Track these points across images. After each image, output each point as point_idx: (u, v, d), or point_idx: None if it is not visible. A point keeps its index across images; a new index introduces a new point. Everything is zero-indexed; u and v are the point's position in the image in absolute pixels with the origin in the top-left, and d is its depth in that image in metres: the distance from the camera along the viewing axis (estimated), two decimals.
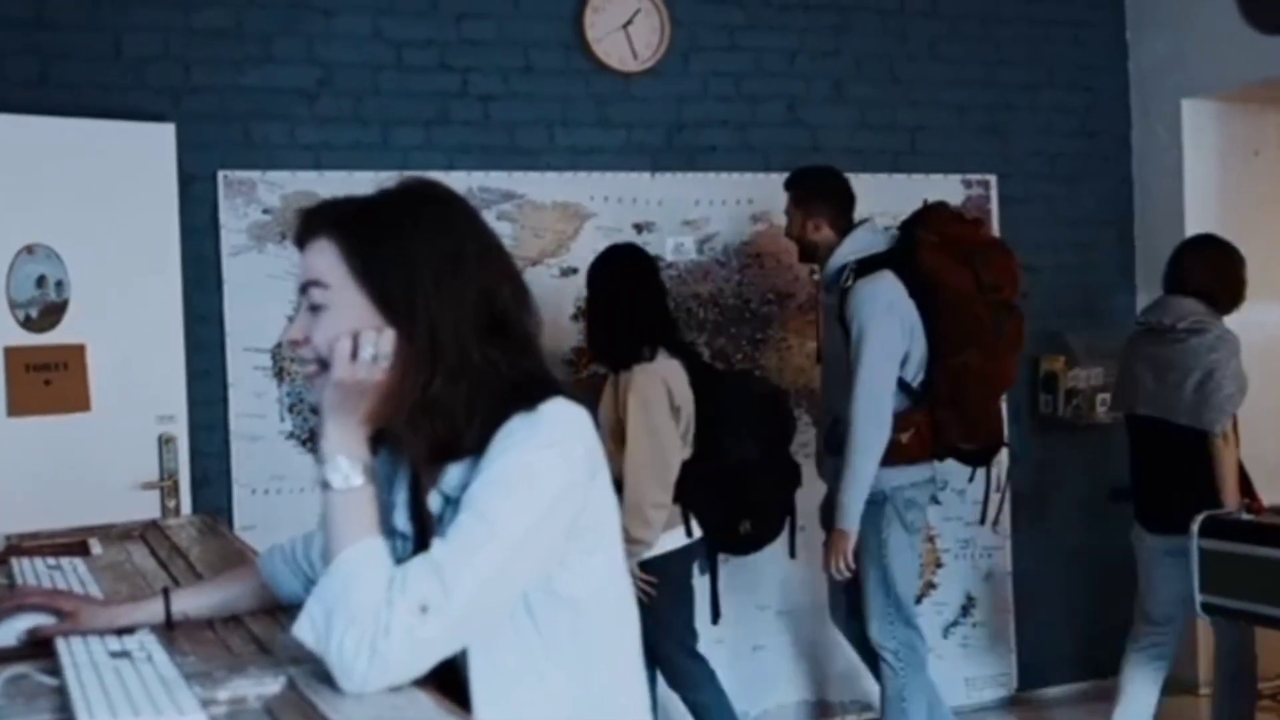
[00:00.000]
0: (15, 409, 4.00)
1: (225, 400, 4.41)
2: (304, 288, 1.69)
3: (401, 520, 1.75)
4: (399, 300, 1.64)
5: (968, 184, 5.38)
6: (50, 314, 4.07)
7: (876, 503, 4.14)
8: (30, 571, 2.31)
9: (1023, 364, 5.40)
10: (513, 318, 1.70)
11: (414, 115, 4.64)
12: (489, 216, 4.65)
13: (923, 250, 4.13)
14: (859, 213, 4.32)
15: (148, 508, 4.08)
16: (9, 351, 4.01)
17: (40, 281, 4.05)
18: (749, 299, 5.01)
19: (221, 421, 4.40)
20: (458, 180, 4.61)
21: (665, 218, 4.94)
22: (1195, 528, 4.01)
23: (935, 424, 4.14)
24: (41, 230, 4.05)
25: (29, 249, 4.03)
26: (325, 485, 1.63)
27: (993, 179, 5.42)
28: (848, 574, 4.13)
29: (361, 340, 1.63)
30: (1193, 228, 5.42)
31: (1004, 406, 4.53)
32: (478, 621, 1.59)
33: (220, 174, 4.40)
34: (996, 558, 5.44)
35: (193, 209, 4.33)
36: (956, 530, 5.28)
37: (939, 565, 5.32)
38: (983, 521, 4.65)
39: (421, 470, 1.73)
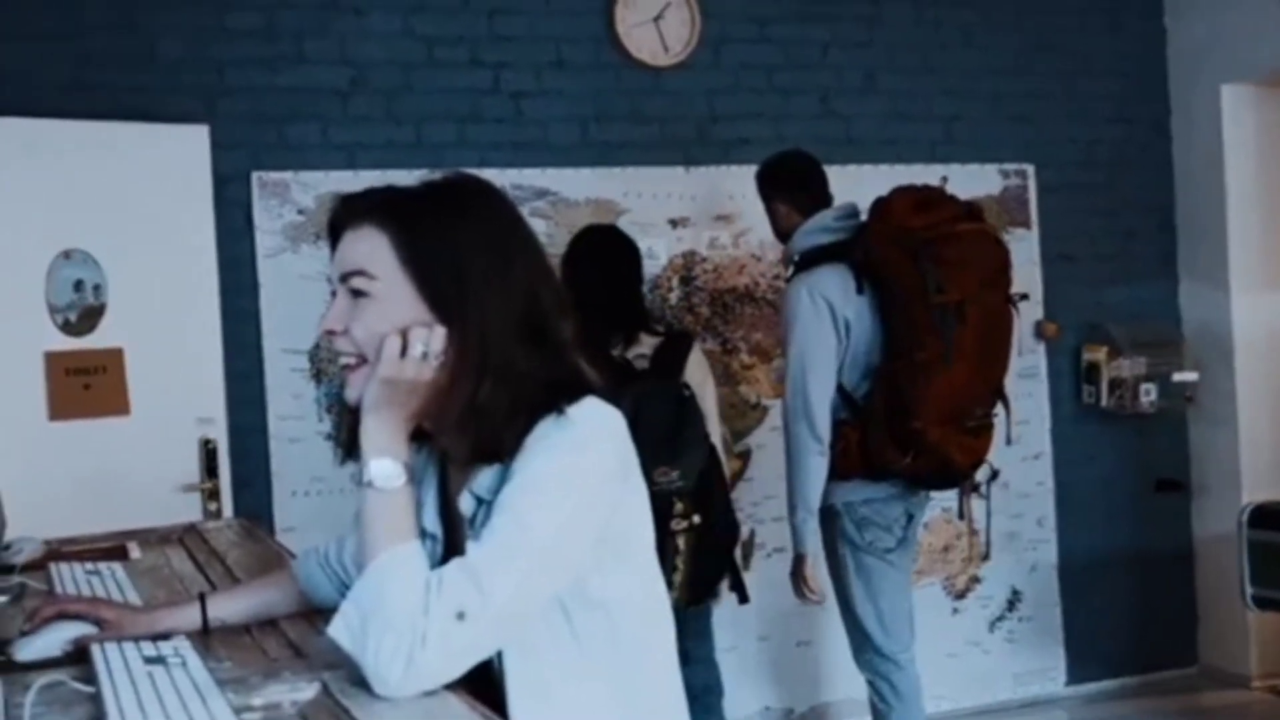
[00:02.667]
0: (56, 413, 4.01)
1: (264, 402, 4.41)
2: (345, 276, 1.65)
3: (430, 520, 1.72)
4: (451, 298, 1.61)
5: (1004, 174, 5.33)
6: (88, 318, 4.07)
7: (828, 518, 3.90)
8: (69, 576, 2.31)
9: (1065, 355, 5.39)
10: (552, 322, 1.67)
11: (446, 113, 4.62)
12: (522, 213, 4.68)
13: (871, 241, 3.77)
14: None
15: (189, 510, 4.08)
16: (49, 356, 4.01)
17: (78, 285, 4.06)
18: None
19: (260, 423, 4.40)
20: (490, 177, 4.54)
21: (699, 212, 4.91)
22: (1244, 518, 3.95)
23: (864, 438, 3.76)
24: (78, 234, 4.05)
25: (66, 253, 4.04)
26: (367, 485, 1.60)
27: (1030, 168, 5.37)
28: (815, 599, 3.93)
29: (411, 337, 1.60)
30: (1234, 214, 5.37)
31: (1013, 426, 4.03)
32: (513, 626, 1.57)
33: (254, 175, 4.40)
34: (1042, 550, 5.38)
35: (227, 211, 4.33)
36: (1001, 523, 5.19)
37: (984, 559, 5.25)
38: (986, 557, 4.57)
39: (452, 470, 1.71)
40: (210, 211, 4.27)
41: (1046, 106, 5.40)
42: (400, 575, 1.53)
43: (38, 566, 2.44)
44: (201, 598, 1.91)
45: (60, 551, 2.61)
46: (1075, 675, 5.40)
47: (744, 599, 3.96)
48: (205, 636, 1.86)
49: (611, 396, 1.69)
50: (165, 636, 1.83)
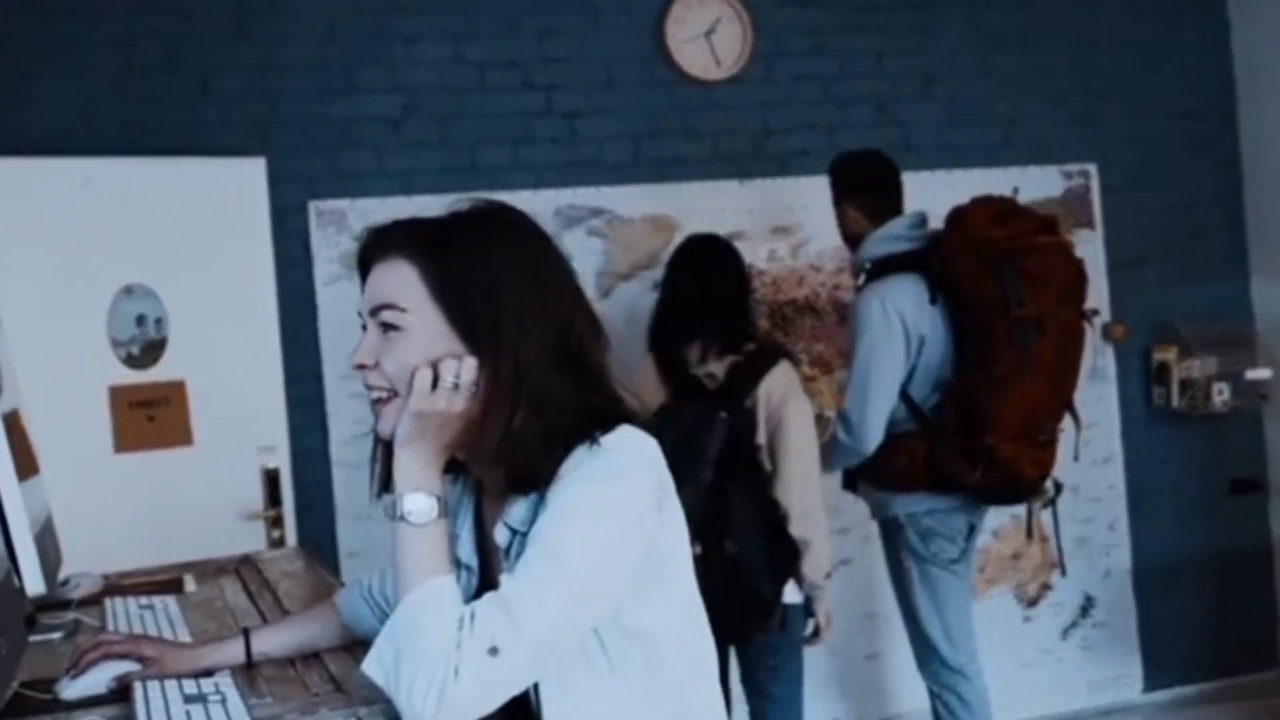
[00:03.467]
0: (121, 446, 4.07)
1: (325, 428, 4.44)
2: (375, 310, 1.64)
3: (466, 552, 1.72)
4: (482, 327, 1.60)
5: (1067, 175, 5.26)
6: (151, 351, 4.13)
7: (891, 530, 3.90)
8: (122, 612, 2.33)
9: (1134, 356, 5.30)
10: (587, 348, 1.66)
11: (500, 136, 4.64)
12: (578, 233, 4.71)
13: (949, 252, 3.70)
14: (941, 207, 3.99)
15: (253, 538, 4.13)
16: (113, 390, 4.07)
17: (140, 320, 4.12)
18: (845, 303, 4.93)
19: (322, 450, 4.44)
20: (546, 199, 4.62)
21: (756, 225, 4.88)
22: None
23: (931, 451, 3.72)
24: (139, 270, 4.11)
25: (128, 289, 4.10)
26: (401, 519, 1.59)
27: (1092, 168, 5.28)
28: None
29: (442, 369, 1.59)
30: None
31: (1071, 439, 3.93)
32: (548, 660, 1.56)
33: (311, 205, 4.44)
34: (1115, 555, 5.29)
35: (285, 241, 4.37)
36: (1071, 528, 5.12)
37: (1054, 566, 5.17)
38: (1063, 572, 4.34)
39: (487, 502, 1.71)
40: (269, 242, 4.32)
41: (1107, 105, 5.31)
42: (433, 611, 1.53)
43: (94, 601, 2.48)
44: (245, 633, 1.93)
45: (118, 585, 2.64)
46: (1152, 682, 5.30)
47: (742, 642, 3.67)
48: (249, 671, 1.88)
49: (650, 422, 1.68)
50: (209, 673, 1.85)
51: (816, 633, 3.78)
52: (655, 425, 3.59)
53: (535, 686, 1.59)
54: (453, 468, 1.71)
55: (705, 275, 3.78)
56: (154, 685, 1.74)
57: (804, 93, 4.97)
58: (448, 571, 1.59)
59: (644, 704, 1.63)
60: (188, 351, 4.17)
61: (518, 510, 1.62)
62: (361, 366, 1.65)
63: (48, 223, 3.97)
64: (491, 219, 1.69)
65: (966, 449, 3.69)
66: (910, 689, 4.93)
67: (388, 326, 1.63)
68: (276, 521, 4.25)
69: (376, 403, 1.66)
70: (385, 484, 1.68)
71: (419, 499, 1.59)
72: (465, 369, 1.59)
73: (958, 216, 3.77)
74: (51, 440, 3.92)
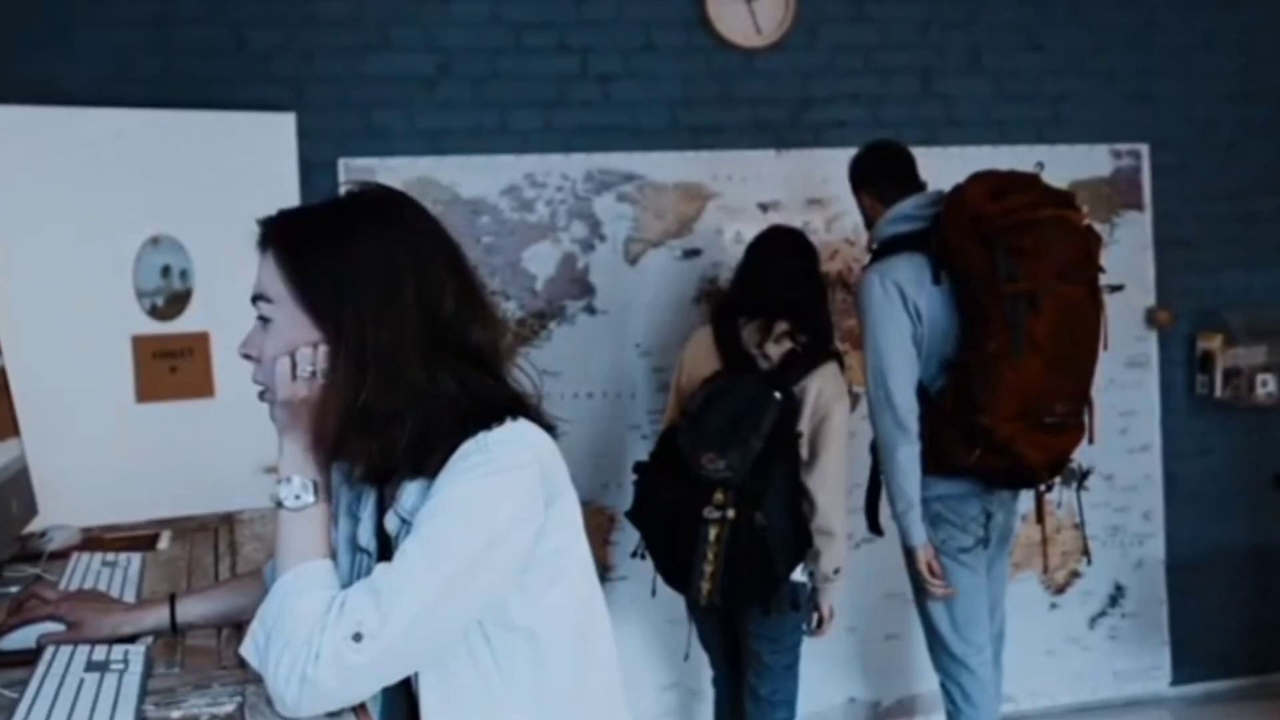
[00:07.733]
0: (143, 396, 4.13)
1: None
2: (253, 301, 1.67)
3: (365, 537, 1.72)
4: (330, 312, 1.61)
5: (1116, 154, 5.13)
6: (175, 302, 4.18)
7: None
8: (84, 568, 2.37)
9: (1178, 343, 5.18)
10: (457, 331, 1.64)
11: (533, 98, 4.61)
12: (608, 199, 4.68)
13: (945, 229, 3.61)
14: None
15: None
16: (137, 340, 4.13)
17: (165, 271, 4.16)
18: None
19: None
20: (577, 163, 4.61)
21: (791, 196, 4.82)
22: None
23: (935, 433, 3.65)
24: (166, 221, 4.15)
25: (154, 240, 4.14)
26: (278, 504, 1.62)
27: (1144, 148, 5.14)
28: (939, 589, 3.74)
29: (298, 357, 1.61)
30: None
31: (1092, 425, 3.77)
32: (416, 650, 1.55)
33: (341, 162, 4.45)
34: (1149, 545, 5.19)
35: (314, 197, 4.33)
36: (1104, 516, 5.05)
37: (1085, 553, 5.09)
38: (1088, 560, 4.41)
39: (387, 489, 1.71)
40: (297, 198, 4.31)
41: (1162, 84, 5.17)
42: (303, 592, 1.54)
43: (65, 555, 2.52)
44: (171, 599, 1.94)
45: (96, 539, 2.68)
46: (1181, 675, 5.20)
47: (765, 611, 3.78)
48: (176, 639, 1.90)
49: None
50: (134, 639, 1.87)
51: (820, 624, 3.88)
52: (706, 392, 3.79)
53: (416, 678, 1.59)
54: None
55: (779, 268, 3.93)
56: (65, 649, 1.76)
57: (845, 62, 4.88)
58: (324, 556, 1.59)
59: (527, 703, 1.62)
60: (212, 304, 4.21)
61: (408, 499, 1.62)
62: (248, 356, 1.68)
63: (79, 172, 4.01)
64: (360, 205, 1.68)
65: (963, 429, 3.61)
66: (930, 670, 4.88)
67: (263, 319, 1.66)
68: None
69: (261, 394, 1.68)
70: None
71: (294, 485, 1.62)
72: (318, 356, 1.61)
73: (955, 193, 3.69)
74: (74, 388, 4.04)
